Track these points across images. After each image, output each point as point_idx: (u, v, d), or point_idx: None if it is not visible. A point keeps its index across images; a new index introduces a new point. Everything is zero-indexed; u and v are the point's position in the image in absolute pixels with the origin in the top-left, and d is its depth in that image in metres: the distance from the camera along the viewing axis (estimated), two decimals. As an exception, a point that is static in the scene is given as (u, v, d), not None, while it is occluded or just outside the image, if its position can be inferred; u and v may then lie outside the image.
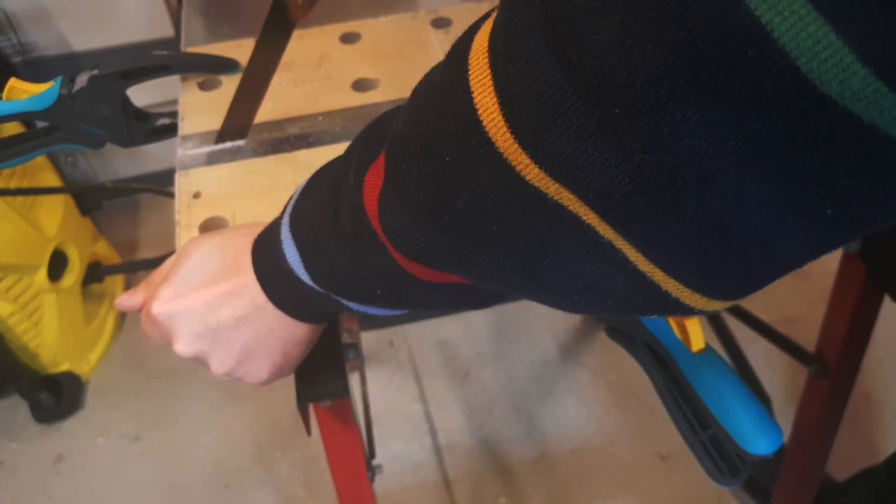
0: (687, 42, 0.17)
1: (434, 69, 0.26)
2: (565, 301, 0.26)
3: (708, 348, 0.40)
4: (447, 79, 0.24)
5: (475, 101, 0.22)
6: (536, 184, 0.22)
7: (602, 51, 0.18)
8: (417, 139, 0.25)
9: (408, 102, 0.27)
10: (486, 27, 0.23)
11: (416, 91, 0.27)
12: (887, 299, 0.73)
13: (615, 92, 0.18)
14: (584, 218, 0.22)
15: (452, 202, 0.25)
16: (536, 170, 0.21)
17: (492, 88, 0.22)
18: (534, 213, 0.22)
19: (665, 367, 0.42)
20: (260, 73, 0.53)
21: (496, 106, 0.22)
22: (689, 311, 0.24)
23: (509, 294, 0.31)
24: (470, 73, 0.22)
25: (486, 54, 0.22)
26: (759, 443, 0.38)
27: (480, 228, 0.25)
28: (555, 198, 0.22)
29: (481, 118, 0.22)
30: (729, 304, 0.24)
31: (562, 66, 0.19)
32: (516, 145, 0.21)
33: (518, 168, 0.22)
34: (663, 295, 0.23)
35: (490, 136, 0.22)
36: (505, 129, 0.21)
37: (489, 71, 0.22)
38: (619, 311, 0.25)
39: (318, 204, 0.34)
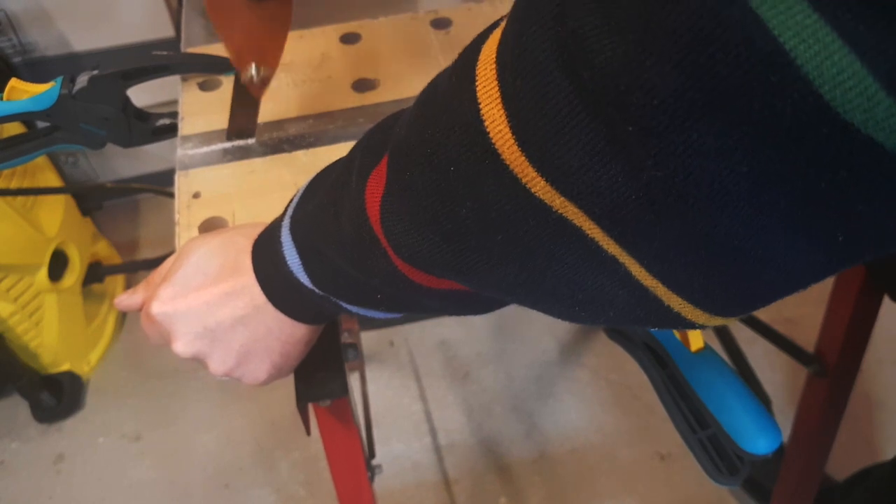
0: (708, 66, 0.16)
1: (439, 76, 0.26)
2: (566, 311, 0.26)
3: (707, 347, 0.40)
4: (454, 88, 0.24)
5: (482, 112, 0.22)
6: (542, 196, 0.21)
7: (616, 69, 0.18)
8: (422, 147, 0.25)
9: (412, 108, 0.27)
10: (495, 37, 0.23)
11: (421, 98, 0.27)
12: (887, 299, 0.73)
13: (629, 111, 0.18)
14: (589, 232, 0.22)
15: (456, 211, 0.25)
16: (542, 183, 0.21)
17: (499, 100, 0.22)
18: (538, 225, 0.22)
19: (664, 366, 0.42)
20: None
21: (503, 118, 0.21)
22: (691, 326, 0.24)
23: (510, 301, 0.31)
24: (477, 83, 0.22)
25: (494, 66, 0.22)
26: (757, 442, 0.38)
27: (483, 238, 0.25)
28: (559, 211, 0.21)
29: (488, 129, 0.22)
30: (731, 320, 0.24)
31: (571, 81, 0.19)
32: (523, 158, 0.21)
33: (524, 180, 0.22)
34: (665, 309, 0.23)
35: (496, 147, 0.22)
36: (512, 141, 0.21)
37: (497, 83, 0.22)
38: (619, 322, 0.25)
39: (318, 207, 0.34)
